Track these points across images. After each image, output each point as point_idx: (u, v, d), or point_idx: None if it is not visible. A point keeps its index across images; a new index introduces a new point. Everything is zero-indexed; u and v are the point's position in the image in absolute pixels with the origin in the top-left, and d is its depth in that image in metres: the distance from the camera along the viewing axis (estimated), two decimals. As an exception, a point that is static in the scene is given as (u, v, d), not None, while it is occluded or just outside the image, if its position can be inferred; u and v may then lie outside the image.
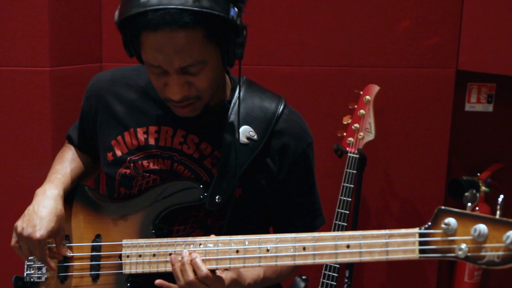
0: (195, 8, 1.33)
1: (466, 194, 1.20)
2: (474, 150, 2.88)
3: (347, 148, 2.52)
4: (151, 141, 1.61)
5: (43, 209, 1.60)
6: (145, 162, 1.61)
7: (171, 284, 1.48)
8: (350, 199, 2.48)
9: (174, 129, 1.60)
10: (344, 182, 2.49)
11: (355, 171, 2.49)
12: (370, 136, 2.52)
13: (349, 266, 2.61)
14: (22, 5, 2.43)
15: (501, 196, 1.15)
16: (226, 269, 1.47)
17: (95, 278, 1.64)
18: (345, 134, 2.54)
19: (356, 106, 2.52)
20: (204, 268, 1.42)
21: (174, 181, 1.58)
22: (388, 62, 2.70)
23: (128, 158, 1.63)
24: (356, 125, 2.51)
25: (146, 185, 1.62)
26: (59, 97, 2.51)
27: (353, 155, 2.50)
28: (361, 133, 2.51)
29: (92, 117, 1.71)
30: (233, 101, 1.61)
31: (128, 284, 1.59)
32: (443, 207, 1.20)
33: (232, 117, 1.58)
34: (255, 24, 2.67)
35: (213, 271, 1.44)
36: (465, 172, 2.83)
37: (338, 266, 2.47)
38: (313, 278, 2.57)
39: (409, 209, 2.68)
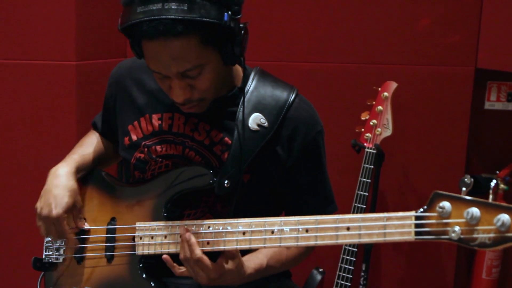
0: (187, 18, 1.39)
1: (462, 178, 1.24)
2: (494, 148, 2.87)
3: (365, 144, 2.55)
4: (165, 127, 1.68)
5: (56, 188, 1.68)
6: (158, 147, 1.68)
7: (174, 264, 1.54)
8: (367, 194, 2.52)
9: (186, 117, 1.67)
10: (361, 177, 2.53)
11: (372, 166, 2.52)
12: (388, 132, 2.55)
13: (366, 259, 2.64)
14: (49, 0, 2.50)
15: (494, 181, 1.18)
16: (227, 259, 1.52)
17: (109, 259, 1.71)
18: (363, 129, 2.57)
19: (374, 103, 2.55)
20: (198, 251, 1.49)
21: (185, 167, 1.64)
22: (407, 59, 2.72)
23: (143, 143, 1.70)
24: (374, 121, 2.54)
25: (159, 170, 1.69)
26: (85, 91, 2.57)
27: (370, 150, 2.54)
28: (379, 129, 2.54)
29: (112, 103, 1.80)
30: (246, 88, 1.66)
31: (141, 265, 1.65)
32: (438, 191, 1.24)
33: (244, 106, 1.63)
34: (276, 21, 2.75)
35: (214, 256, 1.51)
36: (484, 170, 2.83)
37: (354, 259, 2.50)
38: (330, 271, 2.60)
39: (427, 206, 2.69)
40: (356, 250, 2.49)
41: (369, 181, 2.51)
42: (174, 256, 1.56)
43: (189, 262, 1.50)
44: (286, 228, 1.43)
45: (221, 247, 1.52)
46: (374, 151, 2.53)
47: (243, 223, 1.50)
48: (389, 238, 1.28)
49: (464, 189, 1.23)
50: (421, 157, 2.81)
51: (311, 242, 1.39)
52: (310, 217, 1.41)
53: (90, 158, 1.82)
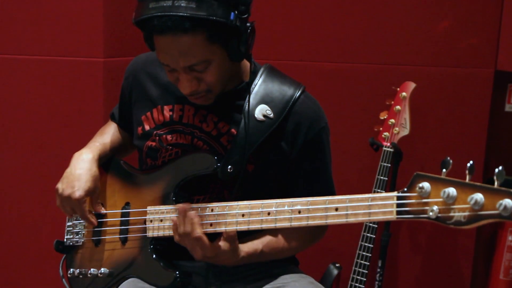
0: (195, 16, 1.49)
1: (443, 159, 1.29)
2: (513, 151, 2.89)
3: (383, 142, 2.60)
4: (176, 118, 1.78)
5: (79, 171, 1.78)
6: (169, 137, 1.77)
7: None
8: (384, 191, 2.56)
9: (196, 109, 1.76)
10: (378, 175, 2.57)
11: (389, 165, 2.57)
12: (405, 131, 2.59)
13: (382, 256, 2.68)
14: (78, -3, 2.57)
15: (471, 162, 1.24)
16: (225, 241, 1.60)
17: (123, 241, 1.80)
18: (381, 129, 2.62)
19: (392, 102, 2.60)
20: (198, 230, 1.57)
21: (192, 153, 1.73)
22: (426, 60, 2.75)
23: (155, 132, 1.79)
24: (392, 120, 2.59)
25: (169, 157, 1.78)
26: (112, 88, 2.62)
27: (387, 149, 2.58)
28: (396, 128, 2.58)
29: (128, 95, 1.90)
30: (254, 82, 1.74)
31: (151, 246, 1.74)
32: (419, 172, 1.30)
33: (251, 98, 1.71)
34: (297, 20, 2.82)
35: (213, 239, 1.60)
36: (499, 177, 2.84)
37: (370, 255, 2.54)
38: (346, 267, 2.65)
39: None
40: (372, 246, 2.53)
41: (386, 179, 2.56)
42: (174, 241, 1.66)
43: (188, 238, 1.59)
44: (280, 210, 1.51)
45: (223, 228, 1.60)
46: (391, 150, 2.58)
47: (242, 206, 1.58)
48: (373, 218, 1.35)
49: (444, 170, 1.29)
50: (438, 158, 2.78)
51: (303, 223, 1.47)
52: (303, 198, 1.49)
53: (109, 147, 1.93)
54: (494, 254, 2.87)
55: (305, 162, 1.75)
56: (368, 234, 2.54)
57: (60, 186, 1.79)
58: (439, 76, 2.76)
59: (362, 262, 2.56)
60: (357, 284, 2.56)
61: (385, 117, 2.62)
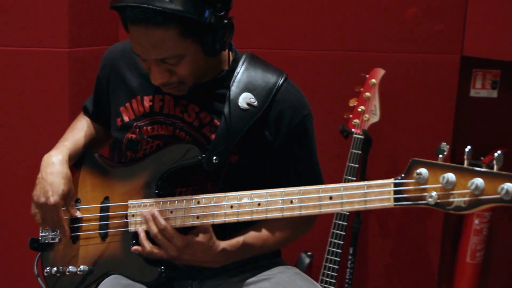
0: (167, 11, 1.45)
1: (439, 145, 1.29)
2: (479, 135, 2.93)
3: (353, 129, 2.60)
4: (156, 109, 1.73)
5: (51, 175, 1.72)
6: (149, 128, 1.73)
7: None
8: (355, 179, 2.57)
9: (176, 99, 1.71)
10: (349, 162, 2.57)
11: (360, 152, 2.57)
12: (375, 118, 2.60)
13: (353, 243, 2.69)
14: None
15: (468, 147, 1.24)
16: (198, 233, 1.58)
17: (103, 237, 1.75)
18: (351, 116, 2.62)
19: (362, 89, 2.60)
20: (162, 221, 1.58)
21: (175, 144, 1.68)
22: (395, 47, 2.77)
23: (135, 124, 1.74)
24: (362, 107, 2.59)
25: (150, 150, 1.73)
26: (78, 79, 2.57)
27: (358, 136, 2.59)
28: (366, 115, 2.59)
29: (105, 85, 1.84)
30: (236, 70, 1.71)
31: (134, 241, 1.69)
32: (416, 158, 1.29)
33: (233, 86, 1.68)
34: (264, 8, 2.79)
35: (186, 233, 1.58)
36: (469, 156, 2.89)
37: (342, 243, 2.54)
38: (318, 255, 2.65)
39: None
40: (344, 233, 2.54)
41: (357, 166, 2.56)
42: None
43: (157, 237, 1.58)
44: (271, 200, 1.48)
45: (210, 221, 1.57)
46: (362, 137, 2.58)
47: (231, 197, 1.55)
48: (369, 206, 1.34)
49: (440, 156, 1.28)
50: (407, 143, 2.86)
51: (296, 213, 1.45)
52: (295, 188, 1.46)
53: (82, 143, 1.86)
54: (461, 238, 2.92)
55: (290, 150, 1.72)
56: (340, 222, 2.54)
57: (34, 193, 1.74)
58: (407, 63, 2.78)
59: (334, 249, 2.56)
60: (329, 272, 2.56)
61: (355, 104, 2.62)
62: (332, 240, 2.55)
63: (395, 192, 1.31)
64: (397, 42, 2.77)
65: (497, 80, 2.89)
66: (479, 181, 1.20)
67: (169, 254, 1.59)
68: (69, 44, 2.55)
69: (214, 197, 1.57)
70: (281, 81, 1.70)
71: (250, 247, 1.69)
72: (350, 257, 2.71)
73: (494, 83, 2.89)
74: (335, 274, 2.56)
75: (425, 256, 2.95)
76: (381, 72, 2.59)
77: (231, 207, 1.54)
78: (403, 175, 1.31)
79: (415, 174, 1.28)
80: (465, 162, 1.24)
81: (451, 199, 1.23)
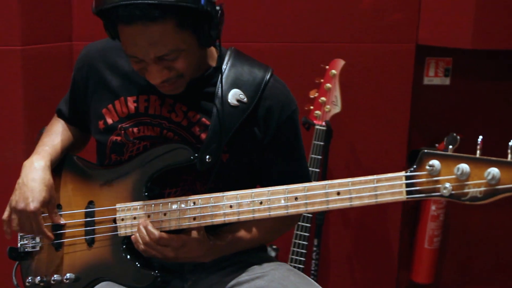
0: (165, 2, 1.40)
1: (448, 136, 1.30)
2: (433, 122, 2.99)
3: (314, 121, 2.61)
4: (141, 109, 1.67)
5: (32, 181, 1.65)
6: (135, 129, 1.67)
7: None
8: (318, 170, 2.57)
9: (162, 98, 1.66)
10: (312, 154, 2.58)
11: (322, 143, 2.58)
12: (337, 109, 2.61)
13: (318, 235, 2.70)
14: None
15: (480, 137, 1.25)
16: (190, 231, 1.57)
17: (90, 243, 1.69)
18: (312, 107, 2.62)
19: (322, 80, 2.60)
20: (155, 232, 1.55)
21: (166, 144, 1.63)
22: (352, 37, 2.79)
23: (119, 126, 1.68)
24: (323, 98, 2.59)
25: (137, 151, 1.68)
26: (32, 78, 2.49)
27: (320, 127, 2.59)
28: (328, 106, 2.59)
29: (83, 87, 1.76)
30: (223, 67, 1.67)
31: (124, 246, 1.64)
32: (426, 150, 1.30)
33: (223, 82, 1.64)
34: (221, 1, 2.74)
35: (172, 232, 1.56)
36: (424, 143, 2.96)
37: (308, 235, 2.55)
38: (284, 248, 2.65)
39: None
40: (309, 226, 2.54)
41: (320, 157, 2.57)
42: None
43: (152, 245, 1.56)
44: (274, 198, 1.46)
45: (208, 221, 1.53)
46: (324, 128, 2.59)
47: (230, 196, 1.51)
48: (380, 199, 1.34)
49: (450, 146, 1.29)
50: (367, 133, 2.89)
51: (301, 209, 1.43)
52: (299, 185, 1.44)
53: (62, 148, 1.79)
54: (419, 224, 2.98)
55: (280, 146, 1.70)
56: (305, 214, 2.55)
57: (13, 198, 1.66)
58: (364, 53, 2.81)
59: (300, 242, 2.56)
60: (296, 264, 2.56)
61: (316, 95, 2.62)
62: (298, 232, 2.56)
63: (407, 185, 1.31)
64: (354, 32, 2.79)
65: (449, 67, 2.95)
66: (495, 170, 1.21)
67: (166, 256, 1.57)
68: (21, 41, 2.45)
69: (211, 197, 1.53)
70: (267, 76, 1.68)
71: (239, 241, 1.68)
72: (315, 248, 2.72)
73: (446, 70, 2.95)
74: (302, 266, 2.56)
75: (386, 243, 3.00)
76: (341, 62, 2.59)
77: (231, 206, 1.51)
78: (414, 167, 1.31)
79: (427, 166, 1.28)
80: (478, 152, 1.25)
81: (466, 190, 1.25)
